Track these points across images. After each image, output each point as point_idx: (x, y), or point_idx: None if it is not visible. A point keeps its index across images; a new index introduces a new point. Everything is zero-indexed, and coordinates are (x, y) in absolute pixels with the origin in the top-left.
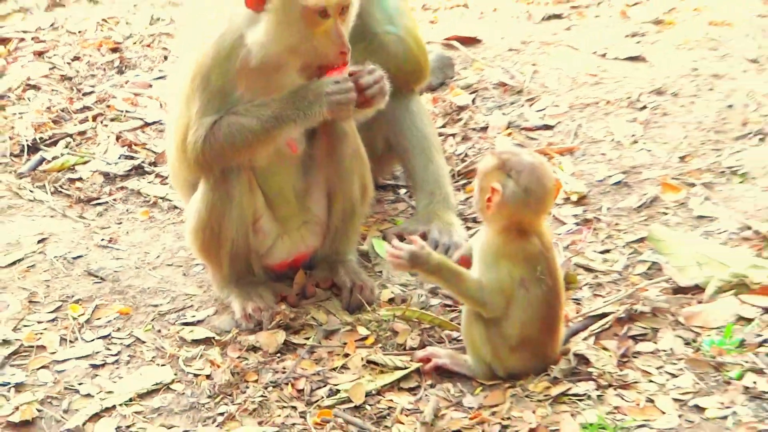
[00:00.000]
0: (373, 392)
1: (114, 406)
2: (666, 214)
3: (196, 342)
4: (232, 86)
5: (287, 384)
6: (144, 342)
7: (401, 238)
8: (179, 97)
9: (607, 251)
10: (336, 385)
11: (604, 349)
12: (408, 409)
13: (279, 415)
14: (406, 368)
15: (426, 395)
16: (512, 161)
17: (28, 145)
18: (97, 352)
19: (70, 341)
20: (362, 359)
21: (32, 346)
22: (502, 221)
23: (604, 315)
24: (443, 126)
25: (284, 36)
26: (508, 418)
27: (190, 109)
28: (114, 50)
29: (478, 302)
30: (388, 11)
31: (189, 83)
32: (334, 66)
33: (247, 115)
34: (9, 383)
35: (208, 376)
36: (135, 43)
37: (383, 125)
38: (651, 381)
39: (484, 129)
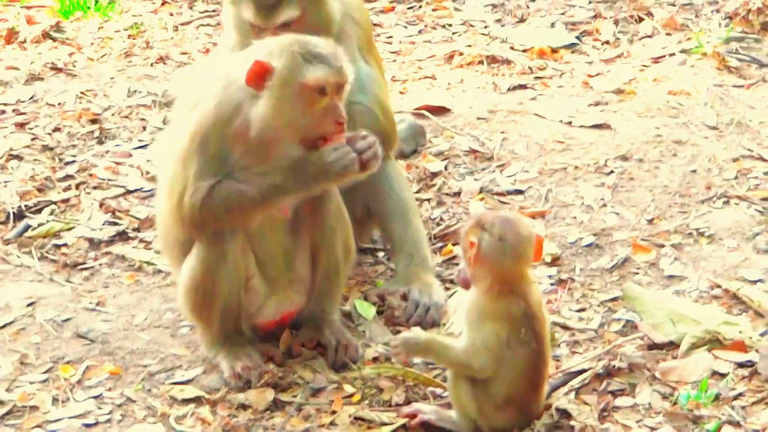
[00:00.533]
0: None
1: None
2: (638, 273)
3: (186, 401)
4: (229, 151)
5: None
6: (135, 401)
7: (383, 299)
8: (176, 158)
9: (583, 310)
10: None
11: (585, 403)
12: None
13: None
14: (392, 423)
15: None
16: (486, 217)
17: (13, 213)
18: (90, 412)
19: (63, 401)
20: (350, 416)
21: (25, 407)
22: (487, 277)
23: (583, 371)
24: (418, 191)
25: (284, 112)
26: None
27: (186, 170)
28: (93, 121)
29: (468, 367)
30: (361, 80)
31: (187, 145)
32: (332, 136)
33: (247, 182)
34: None
35: None
36: (113, 114)
37: (362, 189)
38: None
39: (458, 194)
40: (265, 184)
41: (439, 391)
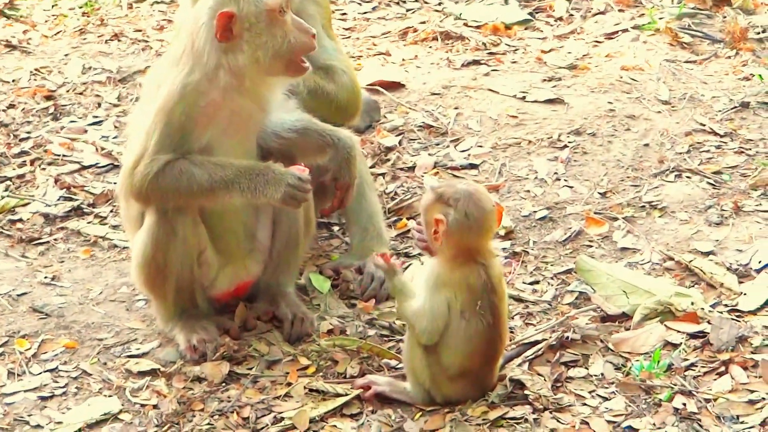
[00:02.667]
0: (317, 419)
1: None
2: (591, 246)
3: (142, 374)
4: (193, 126)
5: (233, 412)
6: (90, 374)
7: (337, 273)
8: (141, 128)
9: (536, 282)
10: (280, 413)
11: (538, 374)
12: None
13: None
14: (347, 395)
15: (368, 421)
16: (449, 192)
17: None
18: (45, 385)
19: (18, 375)
20: (304, 387)
21: None
22: (452, 250)
23: (536, 342)
24: (372, 166)
25: (265, 46)
26: None
27: (147, 141)
28: (48, 98)
29: (411, 324)
30: (329, 49)
31: (153, 117)
32: (305, 51)
33: (201, 167)
34: None
35: (155, 406)
36: (68, 91)
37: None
38: (584, 404)
39: (412, 169)
40: (216, 174)
41: (393, 363)
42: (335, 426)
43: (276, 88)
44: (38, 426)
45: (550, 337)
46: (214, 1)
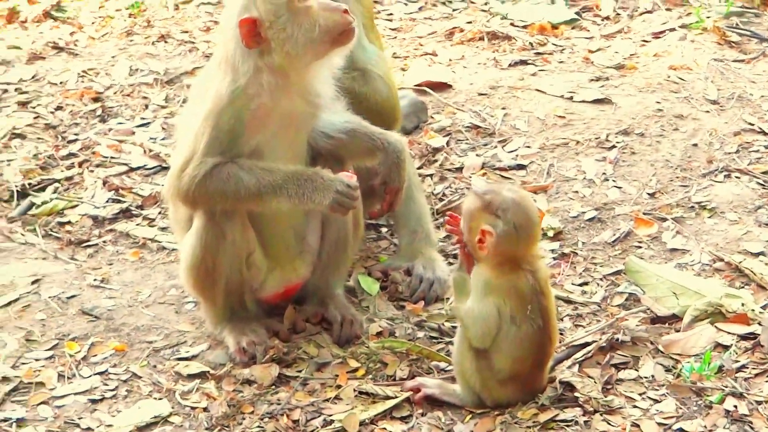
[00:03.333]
0: (367, 421)
1: None
2: (640, 247)
3: (192, 376)
4: (243, 129)
5: (282, 415)
6: (140, 377)
7: (386, 275)
8: (190, 131)
9: (585, 284)
10: (330, 415)
11: (588, 376)
12: None
13: None
14: (396, 397)
15: (418, 423)
16: (496, 201)
17: (17, 191)
18: (95, 388)
19: (68, 377)
20: (354, 390)
21: (31, 383)
22: (498, 258)
23: (586, 344)
24: (420, 167)
25: (297, 39)
26: None
27: (196, 143)
28: (95, 100)
29: (465, 325)
30: (368, 52)
31: (202, 120)
32: (349, 29)
33: (250, 172)
34: (10, 419)
35: (204, 409)
36: (116, 93)
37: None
38: (635, 406)
39: (460, 170)
40: (264, 179)
41: (442, 365)
42: (385, 428)
43: (324, 78)
44: (88, 429)
45: (600, 339)
46: (236, 9)
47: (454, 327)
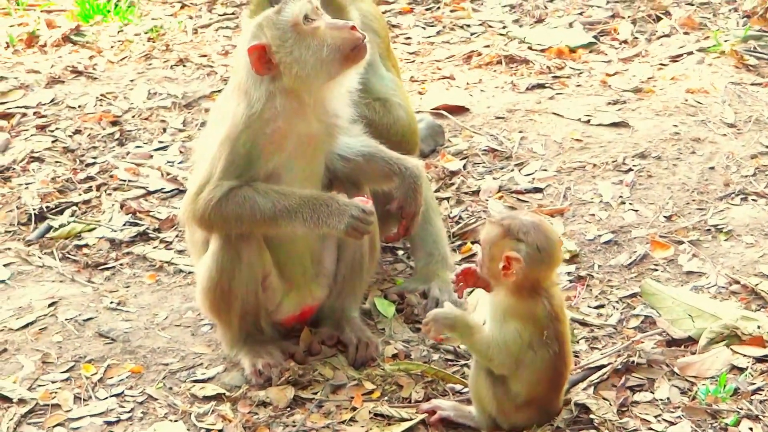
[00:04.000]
0: None
1: None
2: (656, 270)
3: (208, 398)
4: (259, 153)
5: None
6: (156, 399)
7: (402, 297)
8: (206, 155)
9: (601, 306)
10: None
11: (604, 398)
12: None
13: None
14: (412, 419)
15: None
16: (515, 225)
17: (35, 214)
18: (111, 410)
19: (84, 400)
20: (369, 412)
21: (47, 405)
22: (518, 283)
23: (602, 367)
24: (437, 190)
25: (306, 59)
26: None
27: (212, 167)
28: (114, 123)
29: (487, 357)
30: (386, 80)
31: (218, 144)
32: (360, 46)
33: (265, 196)
34: None
35: (220, 431)
36: (134, 116)
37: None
38: (650, 429)
39: (476, 193)
40: (280, 203)
41: (458, 387)
42: None
43: (341, 99)
44: None
45: (616, 361)
46: (246, 37)
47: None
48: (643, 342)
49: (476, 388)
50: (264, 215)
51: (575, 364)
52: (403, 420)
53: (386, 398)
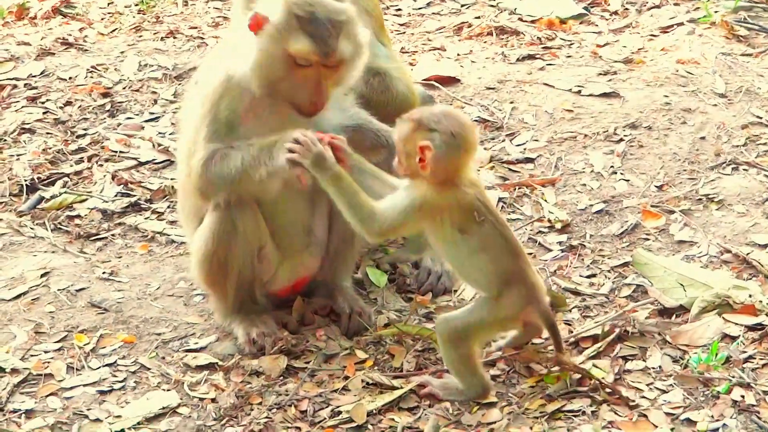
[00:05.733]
0: (374, 412)
1: (123, 430)
2: (648, 239)
3: (200, 368)
4: (238, 119)
5: (291, 406)
6: (149, 369)
7: (394, 267)
8: (192, 124)
9: (593, 275)
10: (338, 406)
11: (597, 367)
12: (409, 428)
13: None
14: (403, 388)
15: (425, 414)
16: (426, 116)
17: (26, 185)
18: (104, 379)
19: (77, 369)
20: (362, 381)
21: (40, 375)
22: (440, 175)
23: (596, 336)
24: None
25: (266, 67)
26: None
27: (198, 135)
28: (105, 95)
29: (361, 221)
30: (381, 56)
31: (200, 111)
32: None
33: (238, 150)
34: (19, 410)
35: (213, 400)
36: (125, 88)
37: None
38: (643, 397)
39: None
40: (246, 153)
41: None
42: (392, 419)
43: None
44: (97, 420)
45: (611, 331)
46: (268, 4)
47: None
48: (636, 311)
49: (448, 358)
50: (238, 169)
51: (569, 332)
52: (395, 389)
53: (378, 367)
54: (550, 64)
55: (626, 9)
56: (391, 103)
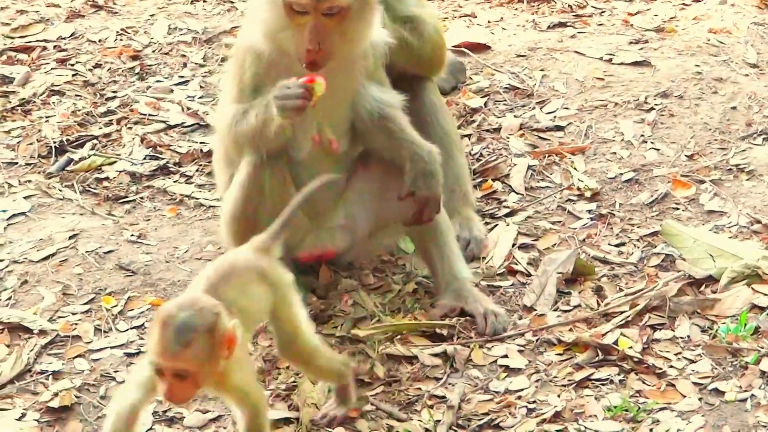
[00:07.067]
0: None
1: None
2: (677, 209)
3: None
4: (263, 81)
5: None
6: None
7: None
8: (225, 84)
9: (622, 244)
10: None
11: (625, 336)
12: (435, 396)
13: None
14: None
15: (451, 382)
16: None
17: (55, 147)
18: (132, 342)
19: (105, 331)
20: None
21: (68, 336)
22: None
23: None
24: (458, 128)
25: (270, 21)
26: (534, 402)
27: (225, 96)
28: (134, 58)
29: None
30: (410, 1)
31: (228, 74)
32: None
33: (253, 108)
34: (47, 371)
35: None
36: (154, 51)
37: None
38: (671, 366)
39: (497, 130)
40: (254, 109)
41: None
42: (419, 388)
43: (362, 34)
44: (124, 382)
45: (642, 303)
46: None
47: (490, 285)
48: (668, 285)
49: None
50: (250, 124)
51: (599, 304)
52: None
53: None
54: (581, 32)
55: None
56: (421, 49)
